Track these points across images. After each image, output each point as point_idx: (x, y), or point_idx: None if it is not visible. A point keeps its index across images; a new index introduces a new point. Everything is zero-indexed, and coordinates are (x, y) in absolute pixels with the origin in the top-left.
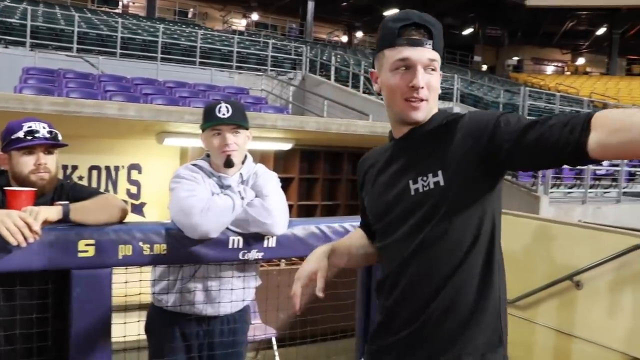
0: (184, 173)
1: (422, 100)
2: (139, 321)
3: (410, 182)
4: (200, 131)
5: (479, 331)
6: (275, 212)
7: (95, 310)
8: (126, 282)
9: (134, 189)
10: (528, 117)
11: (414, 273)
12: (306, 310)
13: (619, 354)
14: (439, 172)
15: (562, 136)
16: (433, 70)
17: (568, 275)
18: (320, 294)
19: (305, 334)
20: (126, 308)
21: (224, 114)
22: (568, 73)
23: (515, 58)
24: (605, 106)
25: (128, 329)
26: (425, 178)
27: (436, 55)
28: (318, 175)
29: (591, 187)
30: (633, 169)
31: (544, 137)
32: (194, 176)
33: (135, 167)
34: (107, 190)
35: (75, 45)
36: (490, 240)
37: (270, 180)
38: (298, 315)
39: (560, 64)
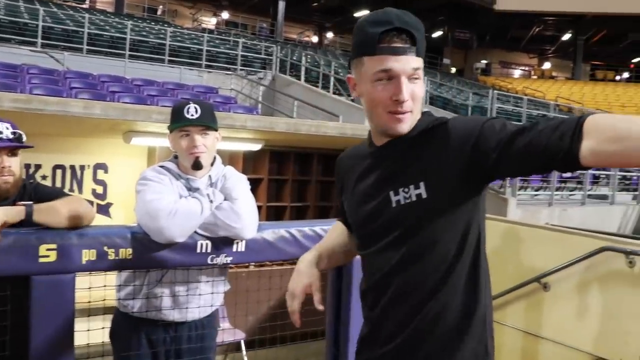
0: (151, 175)
1: (402, 113)
2: (103, 328)
3: (392, 193)
4: (167, 131)
5: (465, 342)
6: (244, 215)
7: (57, 317)
8: (90, 288)
9: (100, 189)
10: (514, 123)
11: (398, 286)
12: (275, 313)
13: (585, 355)
14: (421, 184)
15: (552, 142)
16: (417, 78)
17: (535, 278)
18: (320, 307)
19: (275, 337)
20: (90, 313)
21: (192, 115)
22: (535, 77)
23: (484, 61)
24: (570, 110)
25: (92, 336)
26: (406, 190)
27: (420, 62)
28: (287, 176)
29: (557, 189)
30: (597, 172)
31: (532, 143)
32: (161, 178)
33: (101, 166)
34: (72, 190)
35: (39, 40)
36: (476, 250)
37: (240, 183)
38: (267, 318)
39: (527, 68)
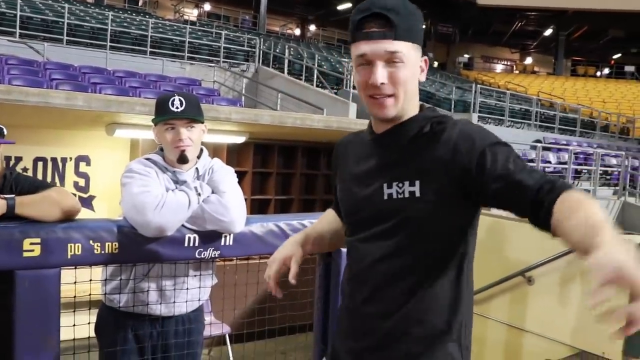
0: (137, 167)
1: (387, 96)
2: (89, 323)
3: (385, 185)
4: (152, 124)
5: (437, 348)
6: (233, 209)
7: (42, 312)
8: (75, 283)
9: (82, 182)
10: (516, 160)
11: (378, 282)
12: (262, 306)
13: (567, 347)
14: (417, 182)
15: (527, 205)
16: (396, 62)
17: (520, 272)
18: (292, 280)
19: (262, 330)
20: (75, 308)
21: (177, 108)
22: (517, 72)
23: (466, 55)
24: (552, 105)
25: (77, 330)
26: (400, 185)
27: (399, 46)
28: (272, 169)
29: None
30: (579, 167)
31: (514, 200)
32: (148, 171)
33: (83, 158)
34: (53, 182)
35: (17, 30)
36: (461, 259)
37: (228, 176)
38: (253, 312)
39: (509, 63)
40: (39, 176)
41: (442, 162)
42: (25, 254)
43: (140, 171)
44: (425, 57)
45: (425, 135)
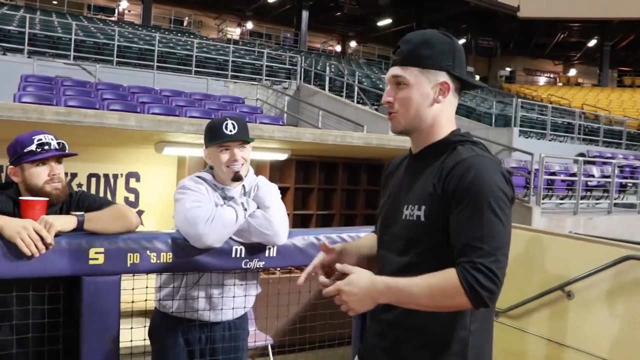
0: (189, 184)
1: (393, 113)
2: (145, 326)
3: (405, 207)
4: (196, 142)
5: (443, 356)
6: (276, 223)
7: (104, 315)
8: (133, 289)
9: (132, 197)
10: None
11: None
12: (303, 317)
13: None
14: (423, 208)
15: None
16: (400, 84)
17: (559, 286)
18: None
19: (303, 340)
20: (132, 313)
21: (231, 131)
22: (560, 84)
23: (508, 69)
24: (596, 118)
25: (134, 334)
26: (412, 208)
27: (403, 71)
28: (313, 185)
29: (582, 198)
30: (624, 181)
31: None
32: (199, 187)
33: (133, 175)
34: (113, 200)
35: (72, 53)
36: None
37: (272, 192)
38: (294, 322)
39: (552, 75)
40: (92, 191)
41: (447, 197)
42: (91, 262)
43: (192, 187)
44: (445, 81)
45: (439, 162)
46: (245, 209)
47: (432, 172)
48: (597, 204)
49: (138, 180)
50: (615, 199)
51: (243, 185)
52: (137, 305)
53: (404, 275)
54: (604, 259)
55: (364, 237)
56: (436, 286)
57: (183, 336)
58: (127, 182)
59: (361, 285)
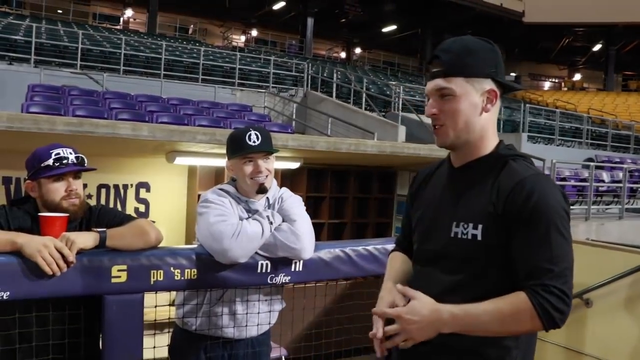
0: (213, 198)
1: (440, 126)
2: (168, 345)
3: (454, 224)
4: (209, 152)
5: None
6: (303, 236)
7: (127, 335)
8: (156, 307)
9: (142, 208)
10: (559, 254)
11: None
12: (318, 326)
13: None
14: (479, 226)
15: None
16: (446, 95)
17: (578, 293)
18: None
19: (318, 349)
20: (155, 331)
21: (254, 142)
22: (565, 89)
23: (513, 74)
24: (603, 122)
25: (157, 352)
26: (466, 226)
27: (447, 82)
28: (325, 193)
29: (594, 203)
30: (635, 185)
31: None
32: (223, 201)
33: (143, 185)
34: (135, 215)
35: (79, 62)
36: None
37: (297, 204)
38: (310, 332)
39: (557, 80)
40: (102, 202)
41: (505, 211)
42: (114, 280)
43: (216, 201)
44: (491, 88)
45: (493, 177)
46: (271, 223)
47: (486, 189)
48: (607, 209)
49: (148, 190)
50: (625, 204)
51: (267, 198)
52: (160, 322)
53: (452, 295)
54: (623, 266)
55: (398, 263)
56: (507, 312)
57: (205, 354)
58: (137, 193)
59: (424, 313)
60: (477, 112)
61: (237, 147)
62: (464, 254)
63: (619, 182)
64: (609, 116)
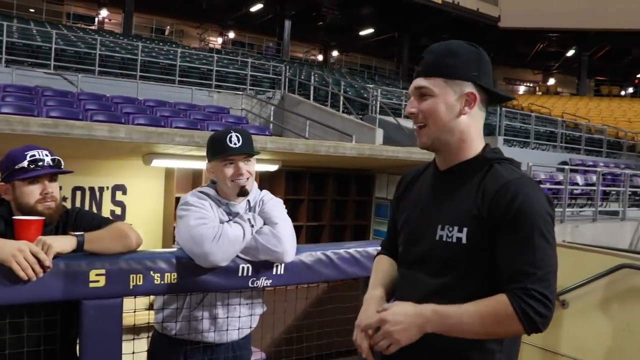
0: (193, 200)
1: (420, 126)
2: (147, 351)
3: (439, 227)
4: (187, 154)
5: None
6: (285, 239)
7: (105, 341)
8: (135, 311)
9: (118, 210)
10: (544, 259)
11: None
12: (299, 328)
13: None
14: (464, 230)
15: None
16: (425, 95)
17: None
18: None
19: (300, 352)
20: (134, 336)
21: (235, 144)
22: (539, 93)
23: None
24: (576, 126)
25: (136, 358)
26: (450, 229)
27: (427, 81)
28: (303, 196)
29: (568, 205)
30: (607, 189)
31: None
32: (203, 204)
33: (119, 187)
34: (113, 218)
35: (52, 62)
36: None
37: (279, 207)
38: (290, 334)
39: (531, 84)
40: (77, 205)
41: (490, 214)
42: (92, 285)
43: (196, 204)
44: (471, 92)
45: (478, 180)
46: (252, 226)
47: (471, 192)
48: (581, 211)
49: (125, 193)
50: (599, 207)
51: (248, 200)
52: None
53: (438, 297)
54: (598, 267)
55: (384, 267)
56: (488, 314)
57: (185, 359)
58: (113, 195)
59: (407, 312)
60: (454, 114)
61: (217, 149)
62: (449, 256)
63: (593, 185)
64: (582, 120)
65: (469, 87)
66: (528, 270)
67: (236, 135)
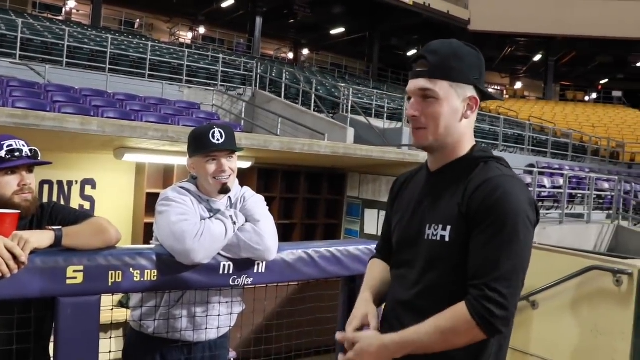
0: (174, 196)
1: (421, 128)
2: (123, 349)
3: (427, 226)
4: (160, 149)
5: None
6: (267, 237)
7: (82, 339)
8: (112, 309)
9: (87, 205)
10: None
11: (411, 317)
12: (269, 327)
13: None
14: (448, 227)
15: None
16: (429, 97)
17: (524, 296)
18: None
19: (269, 352)
20: (111, 335)
21: (218, 140)
22: (507, 96)
23: None
24: (542, 130)
25: (113, 356)
26: (436, 227)
27: (432, 84)
28: (275, 194)
29: None
30: (574, 192)
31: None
32: (184, 199)
33: (89, 182)
34: (91, 212)
35: (18, 52)
36: None
37: (261, 205)
38: (260, 333)
39: (499, 88)
40: (45, 199)
41: (472, 213)
42: (69, 281)
43: (177, 199)
44: (473, 96)
45: (464, 179)
46: (235, 223)
47: (458, 190)
48: (547, 214)
49: (94, 187)
50: (565, 209)
51: (229, 197)
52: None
53: (426, 296)
54: (568, 269)
55: (377, 271)
56: (447, 328)
57: (161, 357)
58: (82, 190)
59: (371, 351)
60: (458, 117)
61: (200, 145)
62: (434, 255)
63: (560, 187)
64: (548, 124)
65: (471, 91)
66: (491, 267)
67: (219, 131)
